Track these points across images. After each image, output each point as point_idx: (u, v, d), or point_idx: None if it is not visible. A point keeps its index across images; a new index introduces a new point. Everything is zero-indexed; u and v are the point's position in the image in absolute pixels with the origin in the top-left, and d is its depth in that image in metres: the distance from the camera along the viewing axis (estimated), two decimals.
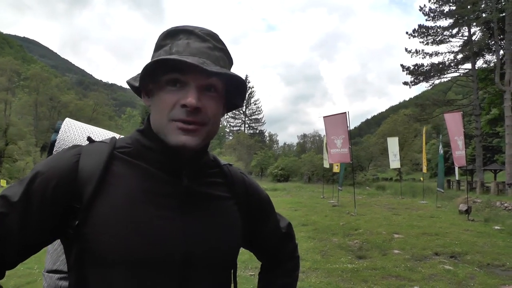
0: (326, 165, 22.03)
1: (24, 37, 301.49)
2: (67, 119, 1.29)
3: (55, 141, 1.22)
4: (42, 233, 0.80)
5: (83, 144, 0.90)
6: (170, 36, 0.86)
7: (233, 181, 1.00)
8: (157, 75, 0.83)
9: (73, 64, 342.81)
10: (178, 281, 0.82)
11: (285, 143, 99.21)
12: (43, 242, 0.82)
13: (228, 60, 0.90)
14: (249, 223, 1.02)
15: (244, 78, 0.91)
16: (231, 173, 1.01)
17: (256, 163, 62.09)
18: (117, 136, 1.07)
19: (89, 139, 0.91)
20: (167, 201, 0.85)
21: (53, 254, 1.21)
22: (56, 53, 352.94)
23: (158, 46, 0.87)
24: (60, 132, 1.22)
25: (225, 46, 0.89)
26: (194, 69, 0.79)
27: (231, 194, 0.97)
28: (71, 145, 1.21)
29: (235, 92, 0.92)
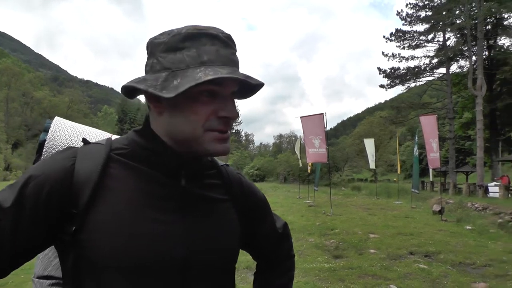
0: (300, 164, 22.19)
1: None
2: (57, 118, 1.24)
3: (44, 141, 1.17)
4: (36, 239, 0.76)
5: (76, 146, 0.87)
6: (191, 39, 0.78)
7: (231, 183, 0.98)
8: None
9: (48, 60, 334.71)
10: (179, 285, 0.81)
11: (261, 143, 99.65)
12: (37, 248, 0.78)
13: None
14: (246, 224, 1.00)
15: None
16: (229, 174, 0.99)
17: (232, 163, 61.89)
18: (111, 136, 1.04)
19: (84, 140, 0.87)
20: (166, 203, 0.83)
21: (43, 259, 1.18)
22: (29, 47, 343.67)
23: (174, 48, 0.79)
24: (50, 131, 1.17)
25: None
26: (231, 80, 0.78)
27: (228, 195, 0.96)
28: (61, 145, 1.18)
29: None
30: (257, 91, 0.89)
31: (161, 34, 0.82)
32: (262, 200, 1.09)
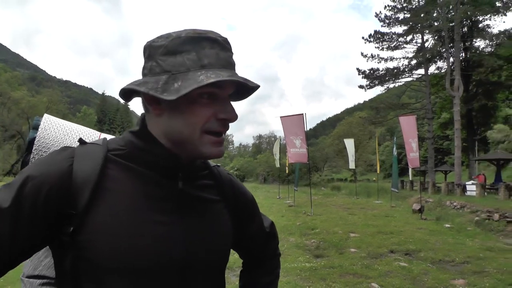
0: (278, 164, 22.21)
1: None
2: (46, 116, 1.21)
3: (34, 139, 1.14)
4: (34, 239, 0.75)
5: (67, 144, 0.86)
6: (192, 42, 0.79)
7: (223, 183, 0.99)
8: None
9: (25, 59, 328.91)
10: (177, 286, 0.81)
11: (240, 144, 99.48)
12: (34, 248, 0.77)
13: None
14: (238, 224, 1.01)
15: None
16: (221, 175, 1.00)
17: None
18: (101, 135, 1.06)
19: (80, 140, 0.85)
20: (164, 204, 0.83)
21: (33, 258, 1.15)
22: (6, 46, 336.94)
23: (174, 51, 0.79)
24: (39, 129, 1.14)
25: None
26: (230, 82, 0.79)
27: (221, 196, 0.96)
28: (52, 143, 1.17)
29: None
30: (252, 93, 0.89)
31: (159, 38, 0.82)
32: (251, 200, 1.11)
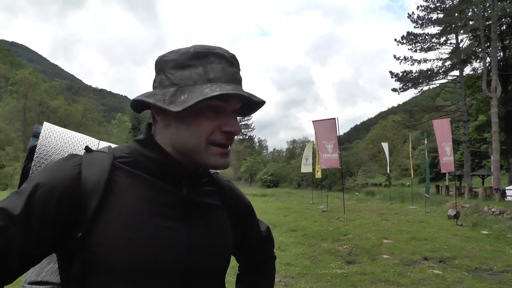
0: (305, 170, 22.05)
1: (12, 41, 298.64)
2: (46, 124, 1.24)
3: (35, 146, 1.18)
4: (44, 246, 0.78)
5: (68, 151, 0.91)
6: (199, 57, 0.84)
7: (223, 189, 1.03)
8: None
9: (63, 69, 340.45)
10: None
11: (274, 149, 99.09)
12: (43, 254, 0.80)
13: None
14: (237, 229, 1.05)
15: None
16: (220, 181, 1.04)
17: (246, 169, 62.02)
18: (100, 142, 1.10)
19: (86, 148, 0.89)
20: (169, 211, 0.86)
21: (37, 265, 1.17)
22: (45, 58, 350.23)
23: (183, 65, 0.84)
24: (40, 137, 1.18)
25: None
26: (235, 97, 0.83)
27: (222, 202, 1.00)
28: (53, 151, 1.20)
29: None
30: (258, 109, 0.94)
31: (170, 53, 0.87)
32: (249, 205, 1.15)
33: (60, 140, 1.20)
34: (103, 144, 1.28)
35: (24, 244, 0.74)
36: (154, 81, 0.88)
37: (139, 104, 0.88)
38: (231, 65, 0.86)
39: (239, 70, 0.89)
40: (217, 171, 1.08)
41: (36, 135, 1.18)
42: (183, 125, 0.84)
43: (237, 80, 0.86)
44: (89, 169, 0.82)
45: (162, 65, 0.86)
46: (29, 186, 0.77)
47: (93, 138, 1.28)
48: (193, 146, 0.85)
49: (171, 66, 0.84)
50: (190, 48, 0.85)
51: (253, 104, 0.91)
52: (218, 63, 0.84)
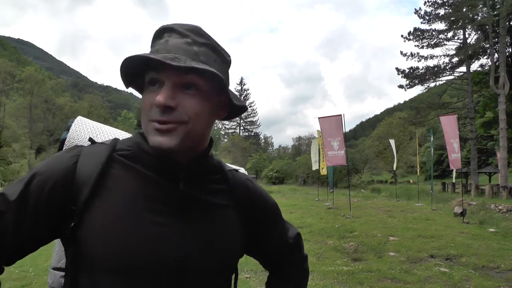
0: (316, 167, 22.06)
1: (18, 39, 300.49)
2: (79, 117, 1.25)
3: (65, 139, 1.18)
4: (37, 232, 0.80)
5: (85, 145, 0.89)
6: (156, 36, 0.84)
7: (235, 188, 0.96)
8: (143, 76, 0.83)
9: (68, 66, 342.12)
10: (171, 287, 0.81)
11: (280, 146, 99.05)
12: (39, 241, 0.82)
13: (216, 55, 0.86)
14: (251, 230, 0.99)
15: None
16: (235, 179, 0.98)
17: (251, 166, 61.98)
18: (129, 136, 1.06)
19: (90, 140, 0.89)
20: (162, 206, 0.83)
21: (58, 251, 1.19)
22: (51, 55, 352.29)
23: (150, 47, 0.86)
24: (70, 130, 1.18)
25: (210, 40, 0.85)
26: (167, 66, 0.76)
27: (231, 201, 0.94)
28: (82, 144, 1.18)
29: (219, 86, 0.85)
30: (241, 109, 0.92)
31: None
32: (271, 207, 1.07)
33: (90, 133, 1.20)
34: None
35: (17, 229, 0.77)
36: None
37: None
38: (182, 36, 0.81)
39: (195, 40, 0.82)
40: (238, 169, 1.04)
41: (68, 129, 1.18)
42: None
43: (181, 50, 0.79)
44: (85, 161, 0.83)
45: None
46: (28, 174, 0.81)
47: (126, 133, 1.25)
48: (143, 126, 0.82)
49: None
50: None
51: (220, 83, 0.82)
52: (168, 37, 0.82)
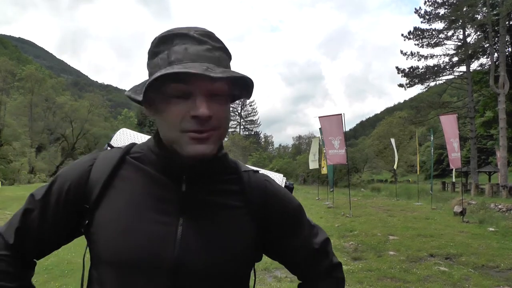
0: (313, 166, 22.00)
1: (19, 37, 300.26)
2: (122, 129, 1.32)
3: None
4: (59, 230, 0.92)
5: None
6: (164, 42, 0.81)
7: (250, 189, 0.94)
8: (161, 87, 0.79)
9: (69, 65, 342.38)
10: (169, 286, 0.81)
11: (280, 145, 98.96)
12: (62, 237, 0.94)
13: (227, 56, 0.86)
14: (268, 234, 0.96)
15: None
16: (250, 181, 0.96)
17: (251, 165, 61.64)
18: None
19: (109, 145, 0.99)
20: (166, 206, 0.86)
21: None
22: (51, 53, 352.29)
23: (152, 53, 0.83)
24: (112, 140, 1.24)
25: (223, 43, 0.85)
26: (199, 77, 0.74)
27: (244, 202, 0.92)
28: None
29: (241, 87, 0.87)
30: (249, 88, 0.87)
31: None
32: (292, 210, 1.02)
33: (129, 141, 1.20)
34: None
35: (41, 226, 0.89)
36: None
37: (131, 97, 0.84)
38: (199, 42, 0.80)
39: (214, 46, 0.82)
40: (256, 169, 1.02)
41: (111, 139, 1.27)
42: (159, 115, 0.83)
43: (206, 58, 0.79)
44: (100, 163, 0.91)
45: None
46: (54, 177, 0.93)
47: None
48: (169, 136, 0.82)
49: (148, 57, 0.85)
50: (157, 35, 0.84)
51: (245, 84, 0.85)
52: (182, 43, 0.79)
